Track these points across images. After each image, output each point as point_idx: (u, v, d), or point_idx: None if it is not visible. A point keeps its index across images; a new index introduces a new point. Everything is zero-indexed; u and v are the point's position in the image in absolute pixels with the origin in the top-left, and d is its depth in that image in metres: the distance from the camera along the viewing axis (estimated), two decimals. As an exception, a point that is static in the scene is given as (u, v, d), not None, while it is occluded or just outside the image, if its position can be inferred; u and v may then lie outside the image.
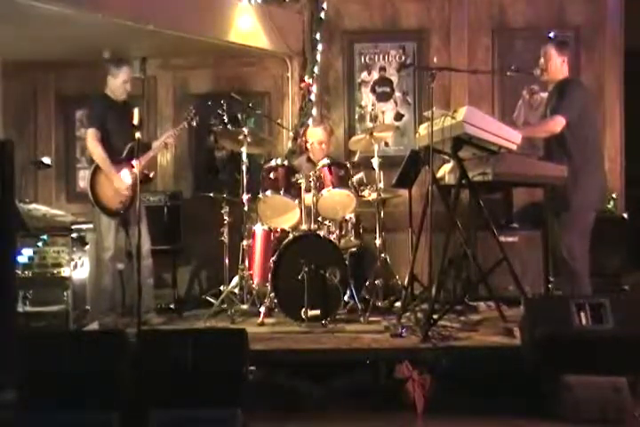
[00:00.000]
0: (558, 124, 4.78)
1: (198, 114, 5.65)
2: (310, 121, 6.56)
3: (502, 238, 5.21)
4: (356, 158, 5.92)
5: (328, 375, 4.32)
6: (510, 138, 4.72)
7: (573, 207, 4.78)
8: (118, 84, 5.36)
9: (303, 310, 5.01)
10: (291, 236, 5.30)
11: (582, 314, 4.02)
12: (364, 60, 6.81)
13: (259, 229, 5.61)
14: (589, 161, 4.84)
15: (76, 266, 5.31)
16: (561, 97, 4.84)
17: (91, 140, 5.31)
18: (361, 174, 5.74)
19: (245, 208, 5.53)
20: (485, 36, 6.70)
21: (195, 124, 5.65)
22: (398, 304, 5.50)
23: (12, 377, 3.82)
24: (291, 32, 6.59)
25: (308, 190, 5.38)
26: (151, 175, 5.67)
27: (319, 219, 5.40)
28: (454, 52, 6.69)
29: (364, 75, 6.82)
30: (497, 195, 6.09)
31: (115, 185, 5.27)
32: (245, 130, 5.56)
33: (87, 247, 5.48)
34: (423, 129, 5.05)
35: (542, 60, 4.97)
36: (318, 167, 5.44)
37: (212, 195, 5.86)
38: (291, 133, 6.62)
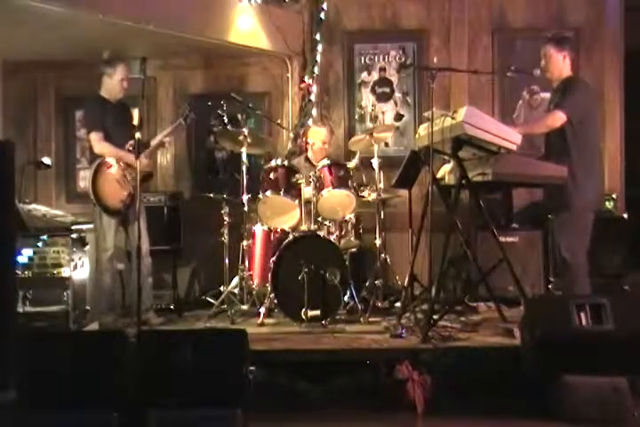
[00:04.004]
0: (558, 119, 4.77)
1: (194, 111, 5.59)
2: (310, 121, 6.56)
3: (502, 238, 5.20)
4: (356, 159, 5.92)
5: (328, 375, 4.32)
6: (510, 138, 4.71)
7: (573, 207, 4.76)
8: (115, 82, 5.34)
9: (303, 310, 5.01)
10: (291, 236, 5.30)
11: (582, 314, 4.02)
12: (364, 60, 6.80)
13: (259, 229, 5.61)
14: (589, 161, 4.83)
15: (75, 266, 5.31)
16: (564, 95, 4.83)
17: (96, 143, 5.30)
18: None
19: (245, 208, 5.53)
20: (485, 36, 6.70)
21: (189, 120, 5.59)
22: (398, 305, 5.50)
23: (12, 377, 3.82)
24: (291, 32, 6.58)
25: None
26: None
27: (319, 219, 5.41)
28: (454, 53, 6.69)
29: (364, 75, 6.81)
30: (497, 195, 6.09)
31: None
32: (245, 130, 5.55)
33: (87, 247, 5.48)
34: (423, 129, 5.05)
35: (543, 61, 4.96)
36: (319, 168, 5.44)
37: (211, 195, 5.85)
38: (291, 134, 6.62)
